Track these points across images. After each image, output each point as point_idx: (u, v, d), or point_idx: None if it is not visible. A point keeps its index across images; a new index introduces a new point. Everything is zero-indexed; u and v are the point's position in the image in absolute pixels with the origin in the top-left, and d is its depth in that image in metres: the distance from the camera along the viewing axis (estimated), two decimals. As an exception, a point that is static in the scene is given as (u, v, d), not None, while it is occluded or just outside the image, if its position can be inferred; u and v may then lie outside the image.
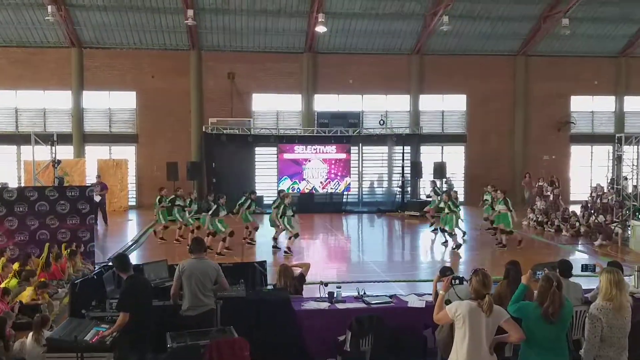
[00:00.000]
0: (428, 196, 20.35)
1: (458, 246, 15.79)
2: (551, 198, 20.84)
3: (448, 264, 12.72)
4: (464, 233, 17.75)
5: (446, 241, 16.53)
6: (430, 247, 16.93)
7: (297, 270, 8.77)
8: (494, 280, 7.25)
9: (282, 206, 15.33)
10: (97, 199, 19.75)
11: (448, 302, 5.44)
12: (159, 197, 17.04)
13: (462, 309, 5.09)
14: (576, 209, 20.76)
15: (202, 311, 6.85)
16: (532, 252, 15.42)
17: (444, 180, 24.84)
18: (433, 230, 18.49)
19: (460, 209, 17.01)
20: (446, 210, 15.92)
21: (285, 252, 14.99)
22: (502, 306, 5.68)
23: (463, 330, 5.04)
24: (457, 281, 5.72)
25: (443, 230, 16.50)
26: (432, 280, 10.48)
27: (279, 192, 16.94)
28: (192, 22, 22.97)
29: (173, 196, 17.08)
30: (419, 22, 25.56)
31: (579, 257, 15.44)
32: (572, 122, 28.02)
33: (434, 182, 21.88)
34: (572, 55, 27.41)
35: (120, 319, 6.31)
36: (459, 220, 16.62)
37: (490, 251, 15.86)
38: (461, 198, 27.34)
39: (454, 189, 21.27)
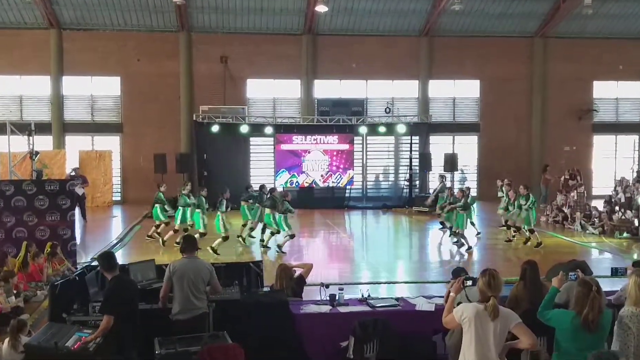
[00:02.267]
0: (440, 191, 19.96)
1: (468, 248, 15.67)
2: (575, 197, 20.74)
3: (460, 265, 12.75)
4: (478, 232, 17.76)
5: (458, 241, 16.61)
6: (440, 245, 16.93)
7: (298, 272, 8.79)
8: (510, 282, 7.28)
9: (278, 204, 15.33)
10: (81, 191, 19.75)
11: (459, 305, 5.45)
12: (159, 193, 16.74)
13: (468, 312, 5.10)
14: (599, 204, 20.75)
15: (194, 315, 6.87)
16: (551, 250, 15.44)
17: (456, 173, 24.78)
18: (442, 229, 18.37)
19: (473, 207, 17.04)
20: (458, 208, 15.85)
21: (277, 251, 15.03)
22: (518, 310, 5.69)
23: (469, 335, 5.06)
24: (470, 282, 5.72)
25: (449, 229, 16.56)
26: (442, 282, 10.50)
27: (261, 187, 16.74)
28: (181, 1, 22.90)
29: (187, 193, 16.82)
30: (428, 1, 25.48)
31: (603, 256, 15.46)
32: (595, 110, 27.98)
33: (442, 177, 21.74)
34: (595, 37, 27.32)
35: (104, 323, 6.31)
36: (470, 219, 16.67)
37: (505, 250, 15.88)
38: (474, 192, 27.37)
39: (464, 184, 21.14)
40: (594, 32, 27.25)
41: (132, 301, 6.64)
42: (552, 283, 5.69)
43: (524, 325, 5.12)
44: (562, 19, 26.41)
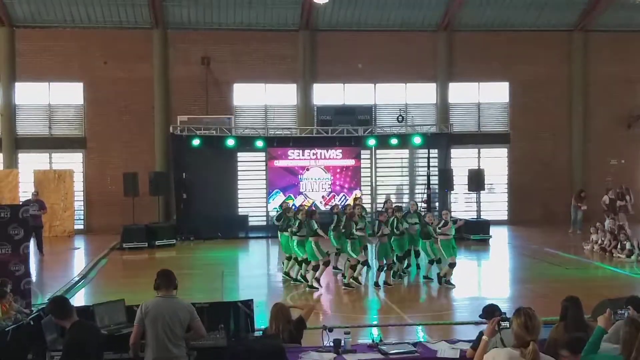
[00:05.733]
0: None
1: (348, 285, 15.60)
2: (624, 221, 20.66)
3: (491, 302, 12.67)
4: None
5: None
6: (467, 279, 16.85)
7: (301, 313, 8.76)
8: (548, 322, 7.22)
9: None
10: (38, 213, 19.71)
11: None
12: (313, 222, 16.70)
13: (499, 358, 5.06)
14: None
15: (170, 365, 6.84)
16: (597, 284, 15.37)
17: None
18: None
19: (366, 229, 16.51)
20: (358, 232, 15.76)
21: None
22: (559, 356, 5.65)
23: None
24: (507, 323, 5.71)
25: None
26: (468, 323, 10.44)
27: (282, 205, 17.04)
28: (155, -7, 23.09)
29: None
30: (446, -10, 25.73)
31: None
32: (646, 116, 28.06)
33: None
34: (646, 30, 27.49)
35: (64, 378, 6.29)
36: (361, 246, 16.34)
37: (541, 284, 15.81)
38: (504, 215, 27.42)
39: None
40: (643, 24, 27.42)
41: (95, 351, 6.59)
42: (598, 322, 5.65)
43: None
44: (607, 9, 26.56)
